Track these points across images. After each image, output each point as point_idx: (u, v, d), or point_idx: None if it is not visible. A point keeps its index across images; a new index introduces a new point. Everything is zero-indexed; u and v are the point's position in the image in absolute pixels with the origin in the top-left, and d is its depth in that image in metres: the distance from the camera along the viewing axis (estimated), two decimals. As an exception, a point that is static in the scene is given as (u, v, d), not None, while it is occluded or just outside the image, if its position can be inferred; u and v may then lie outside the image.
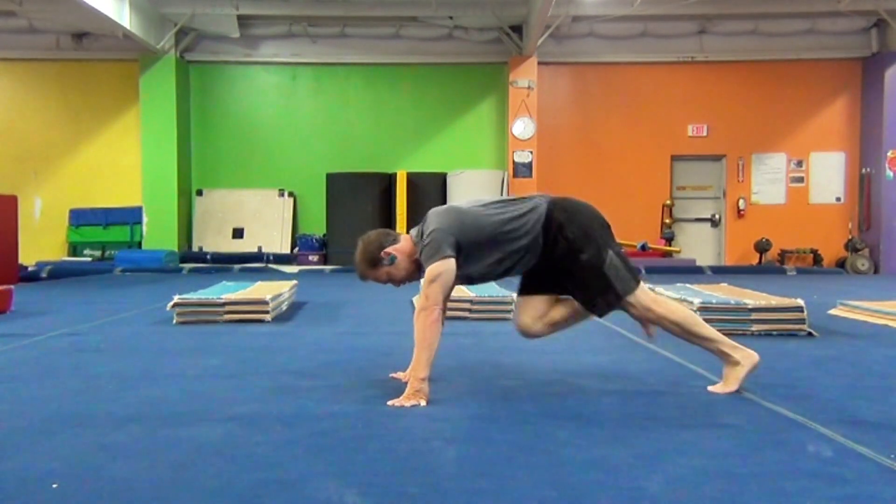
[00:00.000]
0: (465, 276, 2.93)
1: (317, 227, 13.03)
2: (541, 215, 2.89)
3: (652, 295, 2.93)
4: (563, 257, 2.88)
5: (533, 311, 3.04)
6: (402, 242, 2.96)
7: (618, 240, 3.03)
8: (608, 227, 2.96)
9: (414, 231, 2.98)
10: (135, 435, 2.35)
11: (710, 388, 2.95)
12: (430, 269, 2.78)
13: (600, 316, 3.02)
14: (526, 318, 3.05)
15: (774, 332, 4.47)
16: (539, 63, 12.75)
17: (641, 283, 2.90)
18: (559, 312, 3.05)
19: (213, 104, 13.36)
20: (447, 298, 2.90)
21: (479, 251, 2.87)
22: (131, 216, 12.90)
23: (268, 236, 13.04)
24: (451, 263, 2.79)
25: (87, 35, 12.81)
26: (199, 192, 13.28)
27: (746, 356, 2.88)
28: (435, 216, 2.90)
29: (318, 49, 13.15)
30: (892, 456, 2.08)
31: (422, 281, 2.88)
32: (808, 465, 2.04)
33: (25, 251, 10.72)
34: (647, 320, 2.94)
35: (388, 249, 2.93)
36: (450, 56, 13.15)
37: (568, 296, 3.04)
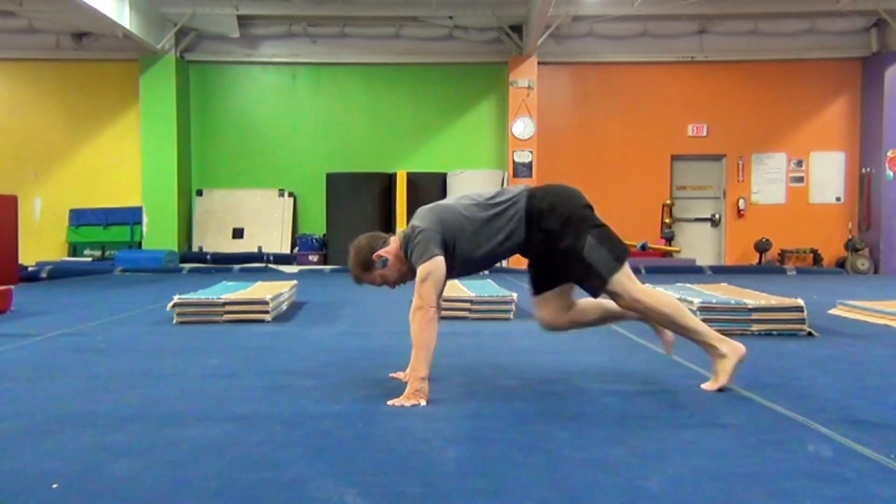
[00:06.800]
0: (455, 271, 2.98)
1: (317, 227, 13.03)
2: (520, 208, 2.94)
3: (640, 286, 2.93)
4: (545, 247, 2.94)
5: (552, 306, 3.10)
6: (392, 244, 3.01)
7: None
8: (590, 207, 2.98)
9: (402, 232, 3.01)
10: (135, 435, 2.34)
11: (702, 385, 2.97)
12: (421, 269, 2.83)
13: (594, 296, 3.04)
14: (547, 314, 3.11)
15: (774, 332, 4.47)
16: (539, 63, 12.75)
17: (626, 267, 2.89)
18: (581, 312, 3.11)
19: (212, 104, 13.37)
20: (440, 296, 2.93)
21: (465, 247, 2.92)
22: (131, 216, 12.91)
23: (268, 236, 13.04)
24: (439, 261, 2.83)
25: (87, 35, 12.81)
26: (199, 192, 13.28)
27: (733, 348, 2.89)
28: (421, 216, 2.95)
29: (318, 49, 13.15)
30: (893, 456, 2.08)
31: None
32: (808, 465, 2.04)
33: (25, 251, 10.72)
34: (636, 311, 2.97)
35: (380, 252, 2.98)
36: (450, 56, 13.15)
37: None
